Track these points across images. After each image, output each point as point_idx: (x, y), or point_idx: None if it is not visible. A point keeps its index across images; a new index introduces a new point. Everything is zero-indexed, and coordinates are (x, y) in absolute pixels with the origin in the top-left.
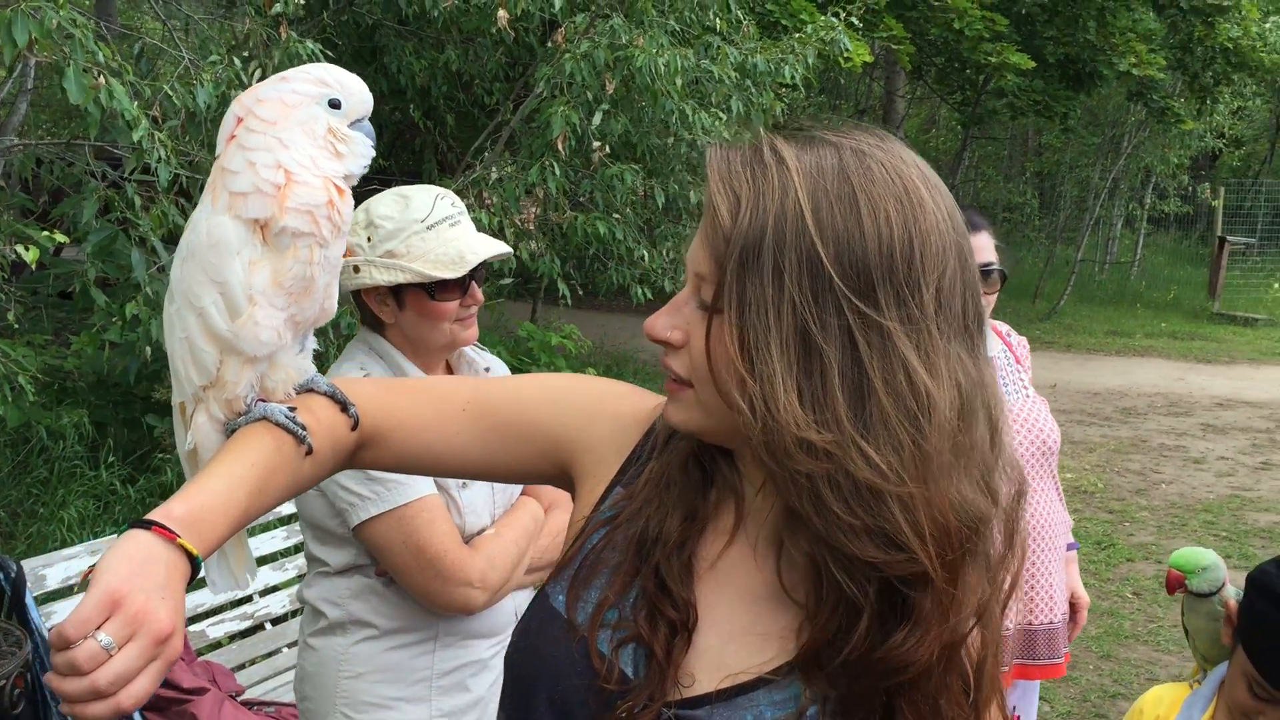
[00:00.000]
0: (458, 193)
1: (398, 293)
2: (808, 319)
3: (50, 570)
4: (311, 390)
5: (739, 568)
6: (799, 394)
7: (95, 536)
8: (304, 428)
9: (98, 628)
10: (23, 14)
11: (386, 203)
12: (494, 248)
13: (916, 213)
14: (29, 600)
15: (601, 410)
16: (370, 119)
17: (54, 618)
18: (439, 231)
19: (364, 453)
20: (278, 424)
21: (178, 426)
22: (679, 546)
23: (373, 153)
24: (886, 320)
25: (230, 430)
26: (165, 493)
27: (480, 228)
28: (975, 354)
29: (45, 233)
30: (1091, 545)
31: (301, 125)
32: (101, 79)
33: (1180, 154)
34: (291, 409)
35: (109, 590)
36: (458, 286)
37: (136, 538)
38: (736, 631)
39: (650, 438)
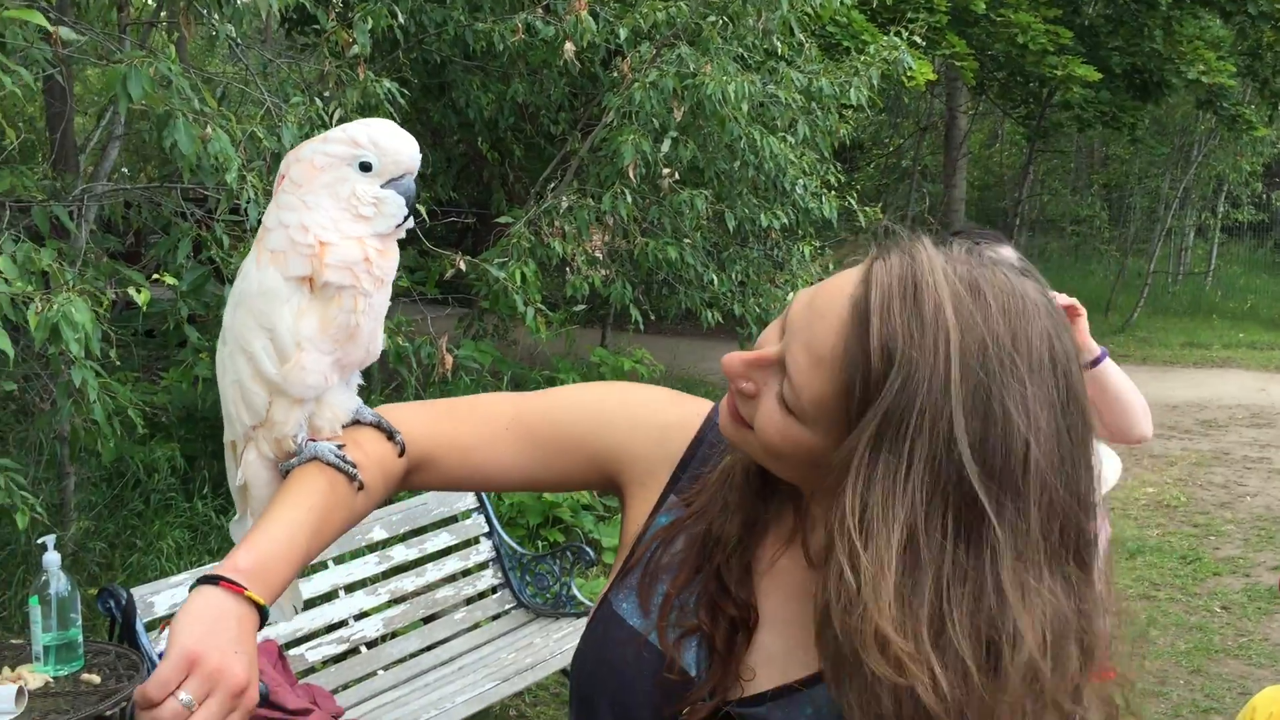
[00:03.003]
0: (530, 222)
1: None
2: (919, 515)
3: (157, 598)
4: (358, 422)
5: (797, 569)
6: (895, 592)
7: (193, 566)
8: (354, 465)
9: (178, 687)
10: (136, 69)
11: None
12: None
13: (1063, 409)
14: (139, 626)
15: (642, 419)
16: (440, 150)
17: (162, 642)
18: None
19: (413, 476)
20: (329, 464)
21: (229, 463)
22: (739, 550)
23: (404, 211)
24: (996, 535)
25: (284, 471)
26: None
27: (553, 256)
28: (1075, 578)
29: (154, 276)
30: (1177, 560)
31: (327, 188)
32: (209, 129)
33: (1253, 161)
34: (340, 446)
35: (185, 650)
36: None
37: (206, 595)
38: (796, 631)
39: (701, 445)
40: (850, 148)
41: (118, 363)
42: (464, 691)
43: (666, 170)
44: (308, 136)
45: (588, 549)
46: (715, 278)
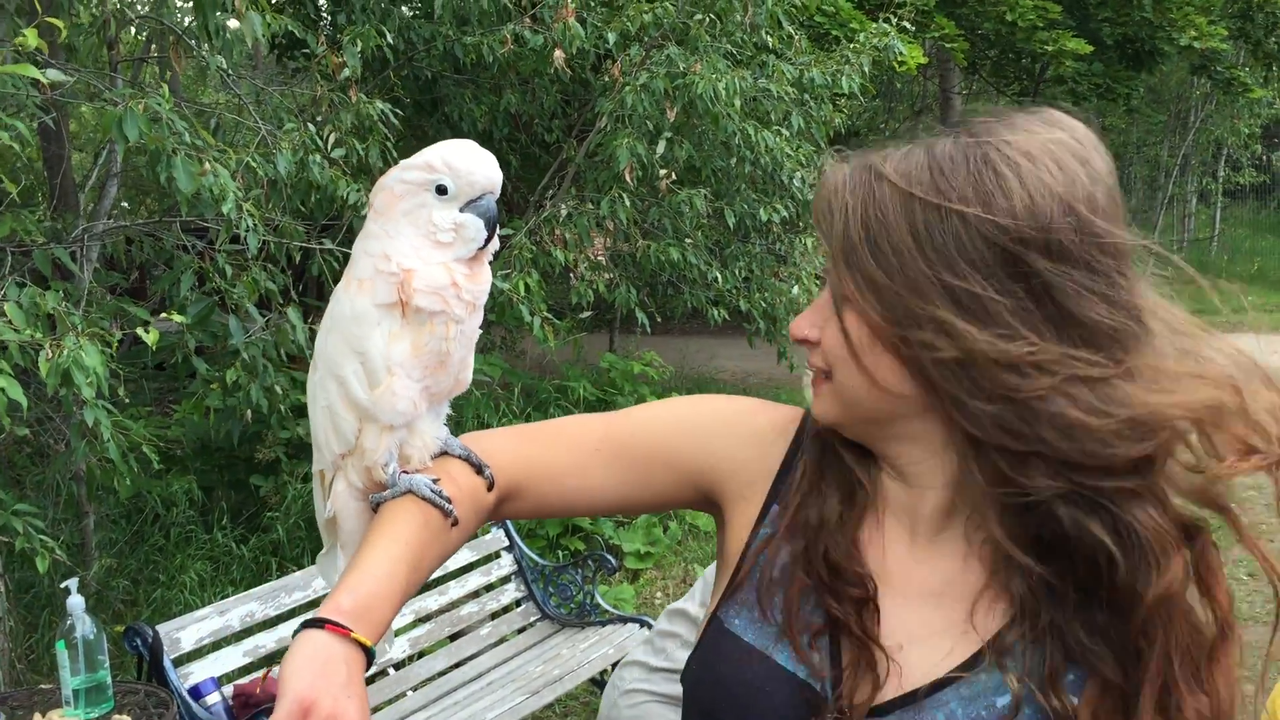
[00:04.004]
0: (531, 232)
1: None
2: (982, 285)
3: (183, 633)
4: (447, 454)
5: (902, 567)
6: (992, 332)
7: (216, 598)
8: (449, 500)
9: None
10: (131, 110)
11: None
12: None
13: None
14: (167, 663)
15: (736, 431)
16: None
17: (190, 679)
18: None
19: (504, 506)
20: (424, 498)
21: (317, 495)
22: (841, 527)
23: (484, 234)
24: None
25: (375, 504)
26: (277, 550)
27: (556, 264)
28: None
29: (163, 315)
30: None
31: (406, 215)
32: (207, 165)
33: (1250, 123)
34: (435, 480)
35: (298, 697)
36: None
37: (313, 639)
38: (913, 633)
39: (799, 452)
40: (846, 136)
41: (127, 400)
42: (494, 707)
43: (663, 171)
44: (303, 162)
45: (609, 556)
46: (719, 275)
